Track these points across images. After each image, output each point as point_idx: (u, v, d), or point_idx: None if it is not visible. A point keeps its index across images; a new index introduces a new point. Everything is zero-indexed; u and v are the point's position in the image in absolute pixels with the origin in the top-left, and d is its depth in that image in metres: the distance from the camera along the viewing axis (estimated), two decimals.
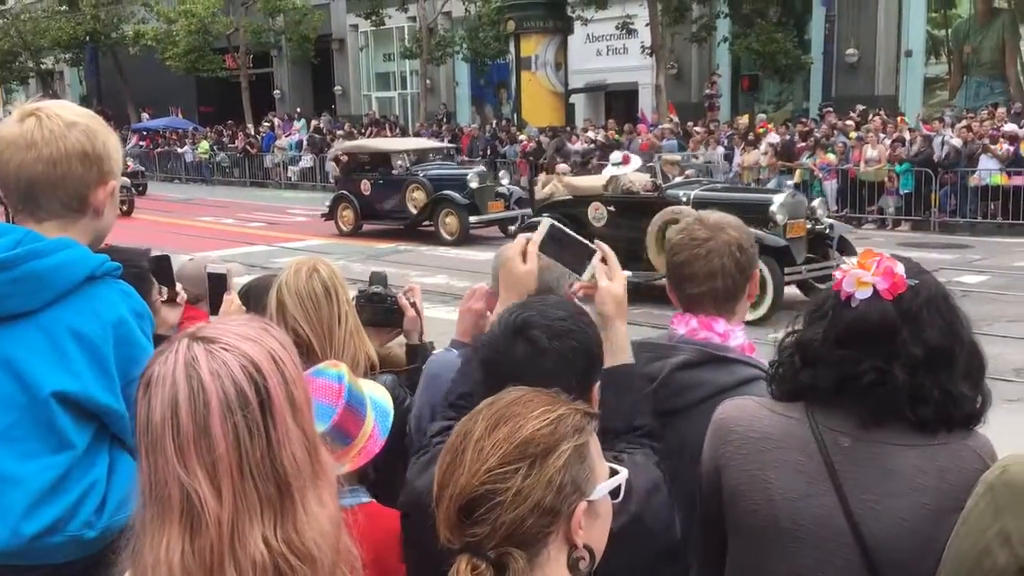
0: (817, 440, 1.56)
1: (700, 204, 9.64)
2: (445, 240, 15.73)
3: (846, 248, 10.26)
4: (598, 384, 1.60)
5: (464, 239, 15.51)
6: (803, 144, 17.48)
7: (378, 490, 1.94)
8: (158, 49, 32.81)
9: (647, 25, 22.73)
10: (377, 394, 1.92)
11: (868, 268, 1.53)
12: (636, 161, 11.70)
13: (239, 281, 2.85)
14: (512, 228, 14.84)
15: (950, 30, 23.22)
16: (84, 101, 36.73)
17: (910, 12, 23.15)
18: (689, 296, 2.01)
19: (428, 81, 29.91)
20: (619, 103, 27.95)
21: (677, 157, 13.33)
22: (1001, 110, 18.08)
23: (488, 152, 22.80)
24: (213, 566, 1.04)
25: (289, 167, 27.48)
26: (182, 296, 2.37)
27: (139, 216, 20.14)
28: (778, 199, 10.20)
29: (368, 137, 24.31)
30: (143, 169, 26.38)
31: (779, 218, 9.91)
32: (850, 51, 23.06)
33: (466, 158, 21.20)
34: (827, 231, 10.47)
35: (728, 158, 18.21)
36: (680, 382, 1.94)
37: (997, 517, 1.34)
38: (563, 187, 12.03)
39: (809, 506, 1.55)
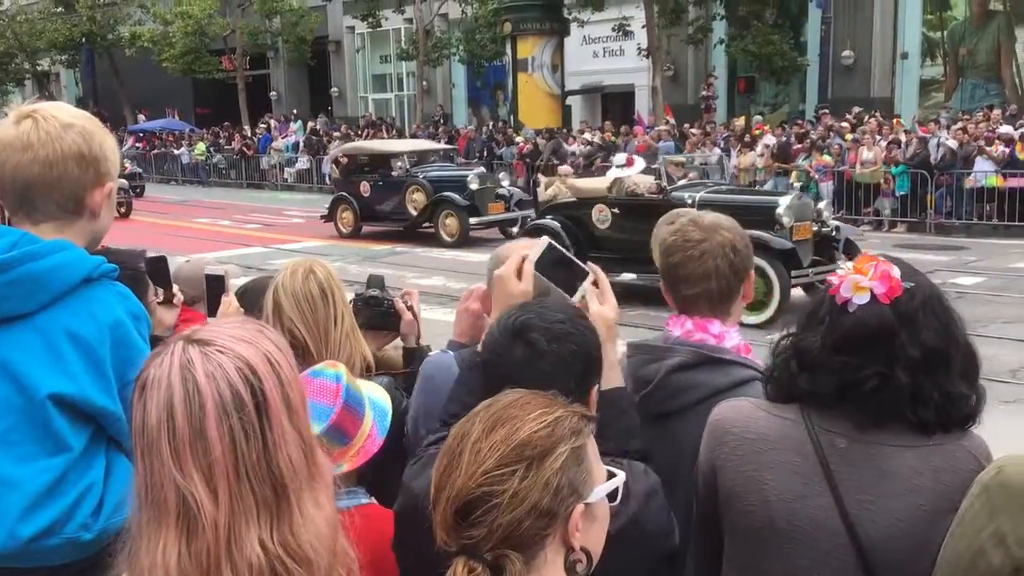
0: (813, 441, 1.56)
1: (705, 206, 9.58)
2: (445, 242, 15.67)
3: (852, 250, 10.16)
4: (597, 387, 1.60)
5: (464, 241, 15.45)
6: (799, 146, 17.50)
7: (374, 491, 1.94)
8: (154, 51, 32.80)
9: (643, 27, 22.76)
10: (375, 394, 1.92)
11: (865, 273, 1.53)
12: (640, 163, 11.67)
13: (236, 283, 2.84)
14: (515, 230, 14.73)
15: (946, 32, 23.27)
16: (80, 103, 36.66)
17: (906, 14, 23.21)
18: (684, 297, 2.01)
19: (425, 83, 29.92)
20: (615, 105, 27.97)
21: (682, 159, 13.31)
22: (996, 112, 18.14)
23: (485, 154, 22.80)
24: (210, 569, 1.04)
25: (286, 169, 27.47)
26: (179, 298, 2.37)
27: (136, 218, 20.12)
28: (784, 201, 10.13)
29: (364, 139, 24.28)
30: (140, 171, 26.37)
31: (785, 220, 9.84)
32: (846, 53, 23.11)
33: (463, 160, 21.18)
34: (833, 233, 10.43)
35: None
36: (676, 384, 1.94)
37: (992, 518, 1.34)
38: (567, 189, 11.97)
39: (805, 507, 1.55)
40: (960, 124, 16.93)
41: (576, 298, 1.80)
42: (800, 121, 20.27)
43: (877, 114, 19.05)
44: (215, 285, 2.55)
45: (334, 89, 34.81)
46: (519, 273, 1.76)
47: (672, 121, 21.12)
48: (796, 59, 22.81)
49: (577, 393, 1.45)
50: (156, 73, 33.96)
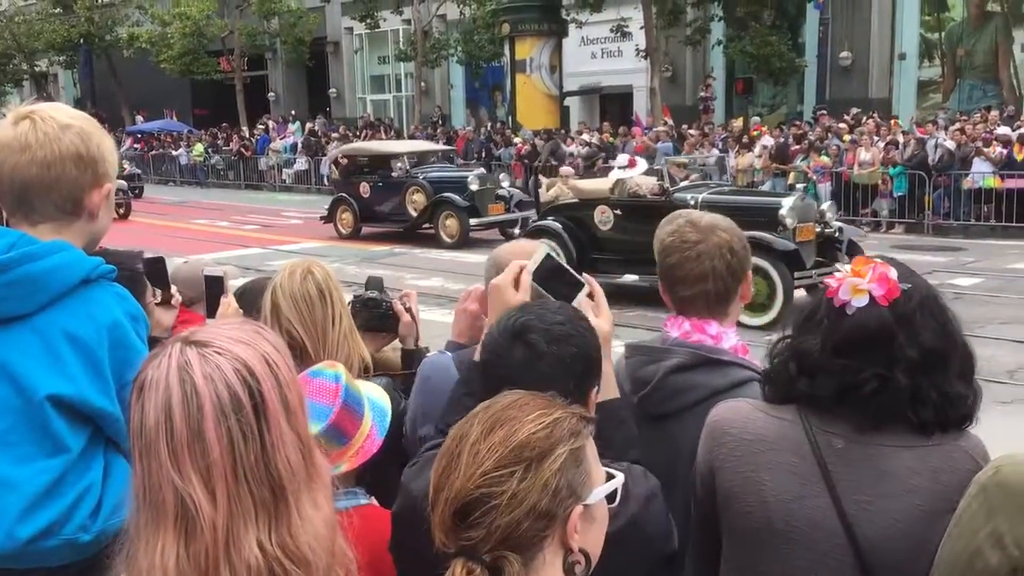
0: (811, 442, 1.56)
1: (708, 207, 9.45)
2: (445, 243, 15.62)
3: (855, 252, 10.01)
4: (596, 389, 1.60)
5: (464, 242, 15.39)
6: (797, 147, 17.52)
7: (373, 492, 1.94)
8: (152, 52, 32.80)
9: (641, 28, 22.77)
10: (375, 394, 1.92)
11: (863, 275, 1.53)
12: (642, 164, 11.63)
13: (234, 284, 2.84)
14: (517, 231, 14.66)
15: (943, 33, 23.31)
16: (78, 104, 36.59)
17: (903, 15, 23.25)
18: (681, 299, 2.02)
19: (423, 84, 29.93)
20: (614, 106, 27.99)
21: (685, 160, 13.29)
22: (994, 113, 18.17)
23: (483, 155, 22.81)
24: (208, 571, 1.04)
25: (284, 170, 27.46)
26: (177, 299, 2.37)
27: (135, 219, 20.12)
28: (787, 202, 10.06)
29: (363, 140, 24.28)
30: (139, 172, 26.35)
31: (789, 222, 9.78)
32: (844, 54, 23.15)
33: (462, 161, 21.18)
34: (836, 235, 10.37)
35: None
36: (674, 385, 1.94)
37: (990, 518, 1.34)
38: (568, 190, 11.93)
39: (803, 508, 1.55)
40: (958, 125, 16.95)
41: None
42: (798, 122, 20.29)
43: (875, 115, 19.07)
44: (214, 286, 2.55)
45: (332, 90, 34.81)
46: (516, 283, 1.76)
47: (670, 122, 21.14)
48: (794, 60, 22.84)
49: (576, 395, 1.45)
50: (154, 74, 33.95)
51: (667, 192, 10.64)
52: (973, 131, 16.34)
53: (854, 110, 19.86)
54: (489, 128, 26.05)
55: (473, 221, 15.58)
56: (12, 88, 41.70)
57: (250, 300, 2.50)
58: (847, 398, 1.53)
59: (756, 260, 9.36)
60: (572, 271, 1.82)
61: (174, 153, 31.19)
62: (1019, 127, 16.29)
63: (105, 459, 1.76)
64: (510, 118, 26.32)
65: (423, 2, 28.15)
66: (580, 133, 22.45)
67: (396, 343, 2.67)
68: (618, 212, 11.02)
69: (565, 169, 14.70)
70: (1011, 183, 15.06)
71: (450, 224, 15.77)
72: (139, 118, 36.42)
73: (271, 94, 35.96)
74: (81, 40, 36.89)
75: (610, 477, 1.23)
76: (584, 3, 23.54)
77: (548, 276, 1.78)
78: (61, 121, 1.77)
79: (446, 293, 11.03)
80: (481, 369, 1.60)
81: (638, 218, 10.56)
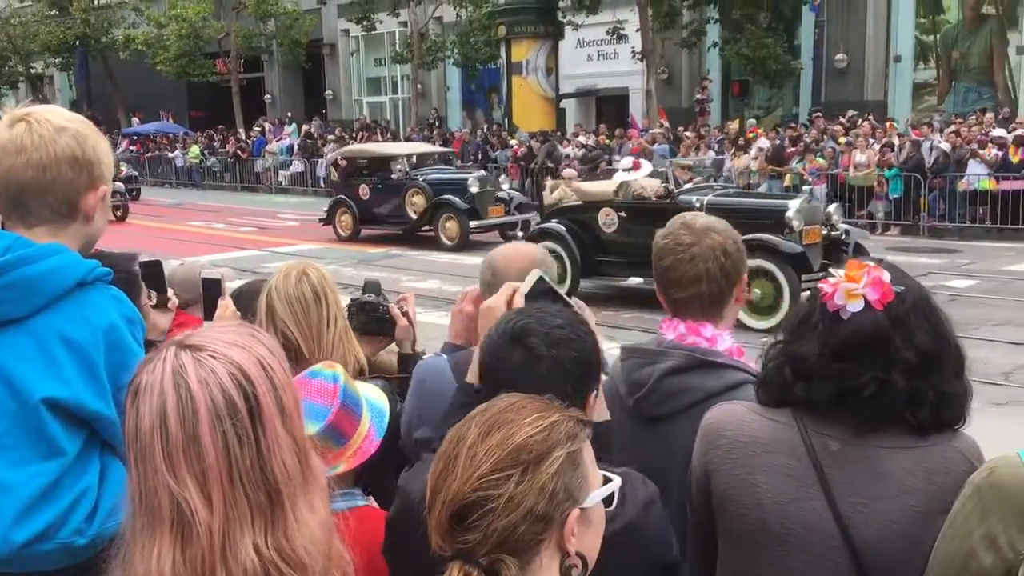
0: (806, 444, 1.56)
1: (713, 209, 9.33)
2: (445, 245, 15.56)
3: (861, 254, 9.95)
4: (595, 393, 1.60)
5: (464, 244, 15.30)
6: (793, 149, 17.55)
7: (369, 494, 1.94)
8: (148, 54, 32.74)
9: (638, 30, 22.79)
10: (373, 395, 1.92)
11: (858, 280, 1.54)
12: (647, 166, 11.58)
13: (230, 286, 2.84)
14: (520, 233, 14.57)
15: (938, 36, 23.37)
16: (74, 106, 36.56)
17: (899, 18, 23.30)
18: (675, 301, 2.02)
19: (419, 86, 29.92)
20: (610, 108, 28.01)
21: (689, 162, 13.26)
22: (989, 115, 18.21)
23: (479, 157, 22.81)
24: (204, 575, 1.04)
25: (280, 172, 27.44)
26: (173, 302, 2.36)
27: (132, 221, 20.09)
28: (794, 204, 9.97)
29: (359, 142, 24.27)
30: (136, 174, 26.29)
31: (795, 224, 9.71)
32: (839, 56, 23.19)
33: (460, 163, 21.16)
34: (843, 237, 10.29)
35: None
36: (669, 388, 1.94)
37: (984, 519, 1.35)
38: (572, 192, 11.87)
39: (798, 510, 1.55)
40: (953, 127, 16.99)
41: None
42: (794, 124, 20.33)
43: (870, 117, 19.11)
44: (211, 289, 2.54)
45: (328, 92, 34.80)
46: (509, 305, 1.76)
47: (666, 124, 21.17)
48: (790, 62, 22.89)
49: (575, 399, 1.45)
50: (150, 76, 33.90)
51: (672, 194, 10.56)
52: (968, 133, 16.39)
53: (850, 112, 19.90)
54: (485, 130, 26.05)
55: (473, 223, 15.51)
56: (8, 90, 41.62)
57: (246, 302, 2.50)
58: (844, 402, 1.53)
59: (762, 263, 9.34)
60: (564, 295, 1.83)
61: (170, 155, 31.15)
62: (1014, 129, 16.33)
63: (101, 462, 1.76)
64: (506, 120, 26.33)
65: (419, 4, 28.16)
66: (576, 135, 22.46)
67: (393, 347, 2.67)
68: (622, 214, 10.93)
69: (568, 171, 14.62)
70: (1006, 185, 15.10)
71: (450, 226, 15.72)
72: (135, 120, 36.37)
73: (267, 96, 35.93)
74: (77, 42, 36.84)
75: (607, 480, 1.23)
76: (580, 5, 23.56)
77: (538, 298, 1.78)
78: (57, 124, 1.76)
79: (443, 295, 11.03)
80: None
81: (643, 220, 10.45)
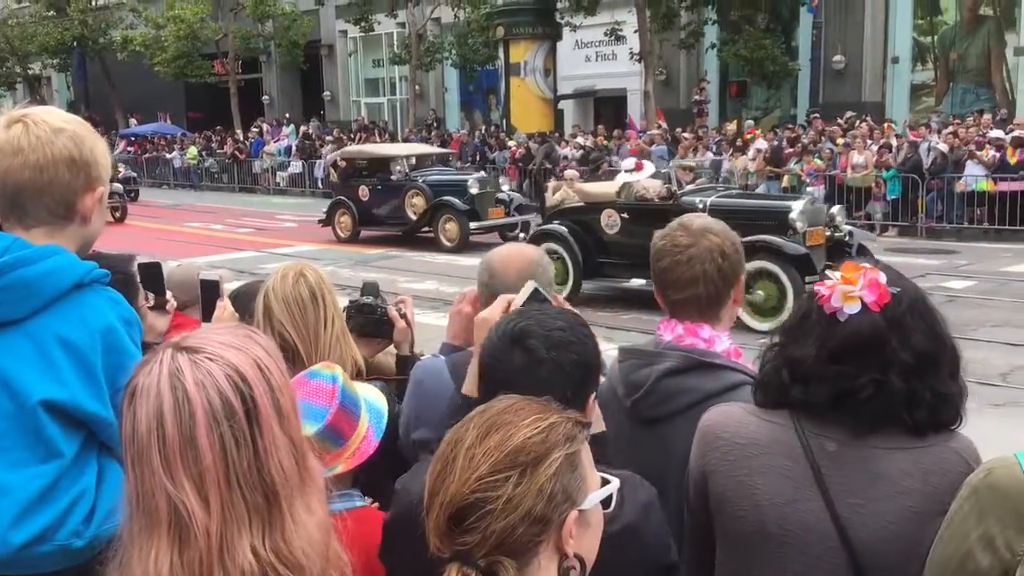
0: (803, 445, 1.57)
1: (717, 211, 9.28)
2: (445, 247, 15.51)
3: (865, 256, 9.79)
4: (594, 395, 1.60)
5: (464, 246, 15.24)
6: (791, 150, 17.56)
7: (368, 496, 1.94)
8: (146, 55, 32.72)
9: (636, 31, 22.82)
10: (371, 396, 1.93)
11: (854, 282, 1.54)
12: (649, 167, 11.55)
13: (227, 287, 2.84)
14: (522, 236, 14.53)
15: (936, 37, 23.41)
16: (72, 107, 36.56)
17: (896, 19, 23.34)
18: (673, 302, 2.02)
19: (417, 87, 29.93)
20: (608, 109, 28.03)
21: (691, 163, 13.24)
22: (987, 116, 18.24)
23: (477, 158, 22.81)
24: None
25: (278, 173, 27.44)
26: (171, 304, 2.36)
27: (130, 222, 20.08)
28: (797, 206, 9.92)
29: (357, 143, 24.26)
30: (135, 175, 26.26)
31: (799, 225, 9.67)
32: (837, 58, 23.22)
33: (461, 164, 21.15)
34: (846, 238, 10.26)
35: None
36: (666, 389, 1.94)
37: (981, 520, 1.35)
38: (574, 193, 11.83)
39: (796, 511, 1.55)
40: (951, 128, 17.02)
41: None
42: (791, 125, 20.36)
43: (868, 118, 19.13)
44: (210, 290, 2.54)
45: (327, 93, 34.80)
46: None
47: (664, 125, 21.18)
48: (787, 64, 22.92)
49: (575, 401, 1.45)
50: (148, 77, 33.89)
51: (675, 196, 10.52)
52: (966, 134, 16.41)
53: (848, 113, 19.92)
54: (483, 131, 26.06)
55: (473, 225, 15.47)
56: (5, 91, 41.59)
57: (243, 304, 2.50)
58: (841, 403, 1.53)
59: (766, 264, 9.32)
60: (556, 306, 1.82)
61: (168, 156, 31.14)
62: (1012, 130, 16.35)
63: (99, 464, 1.75)
64: (504, 121, 26.34)
65: (417, 5, 28.16)
66: (574, 136, 22.48)
67: (391, 348, 2.66)
68: (625, 216, 10.87)
69: (570, 172, 14.55)
70: (1004, 186, 15.12)
71: (450, 228, 15.69)
72: (133, 121, 36.35)
73: (265, 97, 35.92)
74: (75, 43, 36.80)
75: (605, 482, 1.23)
76: (578, 6, 23.58)
77: None
78: (54, 125, 1.76)
79: (441, 296, 11.03)
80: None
81: (645, 222, 10.38)
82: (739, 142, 18.60)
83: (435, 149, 20.17)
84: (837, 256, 10.15)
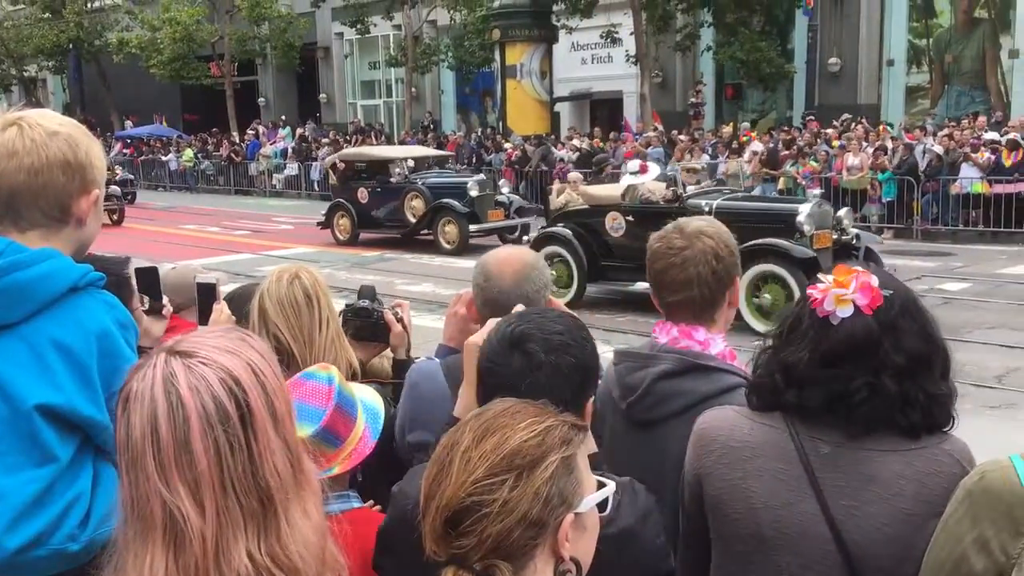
0: (797, 448, 1.57)
1: (722, 214, 9.26)
2: (444, 249, 15.47)
3: (872, 259, 9.78)
4: (592, 399, 1.60)
5: (464, 248, 15.19)
6: (786, 152, 17.59)
7: (364, 497, 1.94)
8: (142, 57, 32.66)
9: (631, 34, 22.84)
10: (367, 396, 1.92)
11: (847, 285, 1.54)
12: (654, 170, 11.50)
13: (224, 290, 2.83)
14: (526, 238, 14.49)
15: (931, 39, 23.45)
16: (67, 109, 36.54)
17: (892, 22, 23.39)
18: (668, 304, 2.03)
19: (413, 89, 29.92)
20: (604, 111, 28.05)
21: (696, 165, 13.21)
22: (982, 119, 18.28)
23: (473, 160, 22.82)
24: None
25: (274, 175, 27.41)
26: (168, 309, 2.35)
27: (126, 224, 20.04)
28: (805, 209, 9.81)
29: (354, 145, 24.25)
30: (132, 177, 26.21)
31: (806, 228, 9.63)
32: (832, 60, 23.27)
33: (460, 166, 21.12)
34: (853, 241, 10.21)
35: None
36: (661, 391, 1.94)
37: (975, 523, 1.35)
38: (579, 196, 11.76)
39: (790, 514, 1.56)
40: (946, 131, 17.06)
41: None
42: (787, 128, 20.38)
43: (863, 121, 19.17)
44: (207, 293, 2.53)
45: (323, 95, 34.78)
46: None
47: (660, 128, 21.19)
48: (783, 66, 22.94)
49: (573, 405, 1.45)
50: (144, 79, 33.85)
51: (681, 198, 10.42)
52: (961, 137, 16.45)
53: (843, 116, 19.96)
54: (480, 134, 26.06)
55: (473, 227, 15.44)
56: (0, 94, 41.52)
57: (238, 306, 2.49)
58: (835, 406, 1.54)
59: (773, 267, 9.28)
60: None
61: (164, 158, 31.09)
62: (1007, 132, 16.40)
63: (94, 468, 1.75)
64: (500, 124, 26.35)
65: (414, 8, 28.16)
66: (570, 139, 22.49)
67: (388, 352, 2.66)
68: (630, 219, 10.75)
69: (574, 175, 14.48)
70: (999, 188, 15.16)
71: (449, 230, 15.65)
72: (128, 123, 36.27)
73: (261, 99, 35.90)
74: (70, 45, 36.75)
75: (601, 485, 1.23)
76: (574, 9, 23.61)
77: None
78: (48, 128, 1.76)
79: (437, 299, 11.02)
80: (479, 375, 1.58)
81: (650, 225, 10.27)
82: (735, 145, 18.62)
83: (434, 151, 20.14)
84: (844, 259, 10.14)
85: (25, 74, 40.18)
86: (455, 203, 15.57)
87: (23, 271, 1.68)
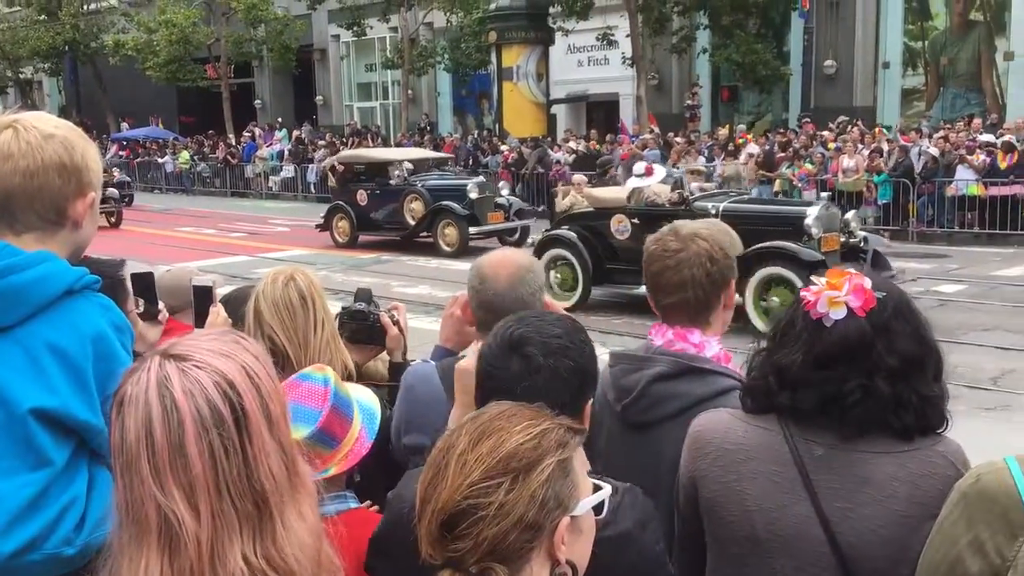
0: (791, 450, 1.57)
1: (729, 216, 9.17)
2: (444, 251, 15.44)
3: (880, 262, 9.82)
4: (591, 402, 1.60)
5: (464, 250, 15.11)
6: (782, 155, 17.62)
7: (360, 498, 1.93)
8: (138, 59, 32.63)
9: (628, 36, 22.87)
10: (363, 397, 1.92)
11: (840, 287, 1.55)
12: (660, 172, 11.43)
13: (220, 292, 2.83)
14: (529, 241, 14.47)
15: (927, 42, 23.51)
16: (63, 111, 36.49)
17: (887, 24, 23.44)
18: (663, 306, 2.03)
19: (410, 91, 29.93)
20: (600, 113, 28.08)
21: (701, 168, 13.19)
22: (977, 121, 18.33)
23: (470, 162, 22.82)
24: None
25: (270, 177, 27.39)
26: (164, 315, 2.35)
27: (123, 227, 20.01)
28: (812, 212, 9.78)
29: (350, 147, 24.23)
30: (129, 180, 26.16)
31: (814, 231, 9.59)
32: (828, 62, 23.31)
33: (459, 168, 21.11)
34: (861, 244, 10.18)
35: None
36: (657, 394, 1.94)
37: (971, 526, 1.35)
38: (583, 199, 11.69)
39: (785, 516, 1.56)
40: (941, 133, 17.10)
41: None
42: (783, 130, 20.41)
43: (859, 123, 19.21)
44: (203, 296, 2.53)
45: (319, 97, 34.78)
46: None
47: (656, 130, 21.21)
48: (779, 68, 22.99)
49: (571, 408, 1.45)
50: (140, 81, 33.81)
51: (687, 201, 10.35)
52: (957, 139, 16.50)
53: (839, 118, 19.99)
54: (476, 136, 26.06)
55: (472, 230, 15.39)
56: None
57: (233, 308, 2.49)
58: (829, 408, 1.54)
59: (781, 271, 9.22)
60: None
61: (160, 161, 31.06)
62: (1002, 135, 16.45)
63: (89, 472, 1.74)
64: (497, 126, 26.35)
65: (410, 10, 28.17)
66: (567, 141, 22.50)
67: (384, 355, 2.66)
68: (635, 221, 10.66)
69: (578, 177, 14.44)
70: (994, 190, 15.20)
71: (449, 233, 15.61)
72: (125, 125, 36.24)
73: (257, 101, 35.87)
74: (66, 47, 36.71)
75: (597, 488, 1.23)
76: (570, 11, 23.62)
77: None
78: (44, 130, 1.75)
79: (433, 301, 11.02)
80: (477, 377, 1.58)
81: (656, 228, 10.29)
82: (731, 147, 18.65)
83: (433, 154, 20.11)
84: (852, 262, 10.07)
85: (21, 76, 40.12)
86: (455, 205, 15.53)
87: (18, 274, 1.68)
